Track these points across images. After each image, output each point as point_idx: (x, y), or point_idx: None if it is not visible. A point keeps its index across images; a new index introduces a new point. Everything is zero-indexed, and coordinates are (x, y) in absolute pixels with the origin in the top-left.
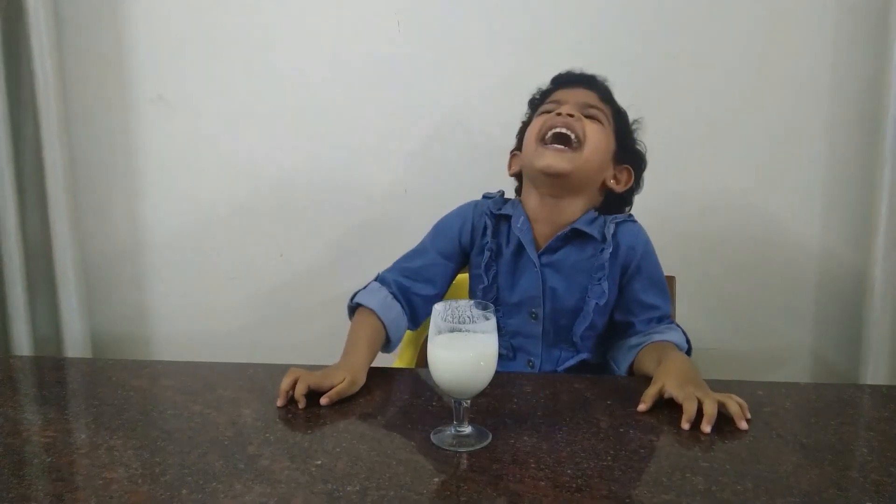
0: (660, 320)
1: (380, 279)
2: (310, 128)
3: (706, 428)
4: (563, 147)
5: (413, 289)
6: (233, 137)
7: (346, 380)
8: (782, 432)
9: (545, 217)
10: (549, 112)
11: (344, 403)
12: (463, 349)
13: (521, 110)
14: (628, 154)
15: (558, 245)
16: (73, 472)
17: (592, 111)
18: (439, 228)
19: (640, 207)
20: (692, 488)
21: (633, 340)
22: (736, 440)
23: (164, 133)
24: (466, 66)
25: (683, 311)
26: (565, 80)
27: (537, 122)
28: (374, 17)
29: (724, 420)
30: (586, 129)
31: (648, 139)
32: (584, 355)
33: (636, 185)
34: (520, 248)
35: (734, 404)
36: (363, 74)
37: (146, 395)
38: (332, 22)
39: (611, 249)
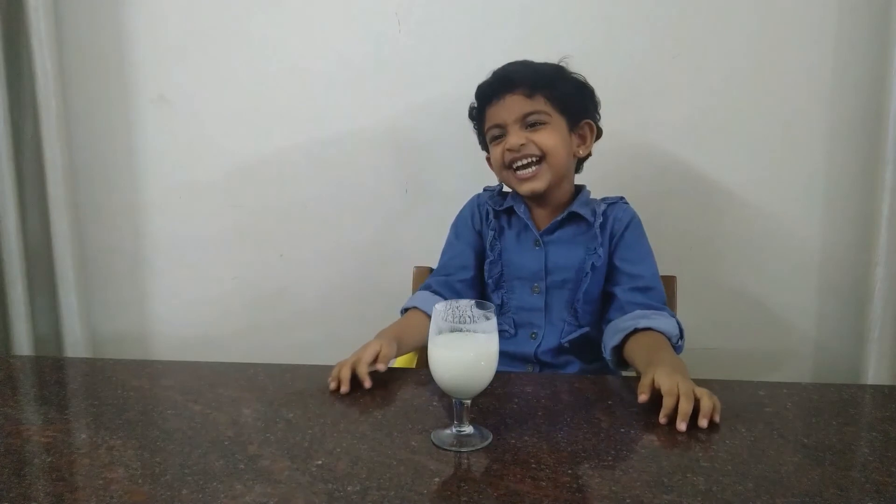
0: (645, 292)
1: (422, 287)
2: (310, 127)
3: (681, 426)
4: (530, 172)
5: (454, 277)
6: (233, 137)
7: (383, 346)
8: (784, 432)
9: (542, 205)
10: (498, 138)
11: (344, 404)
12: (463, 349)
13: None
14: (579, 111)
15: (557, 226)
16: (74, 472)
17: (532, 118)
18: (457, 222)
19: (641, 206)
20: (693, 488)
21: (621, 323)
22: (737, 440)
23: (165, 133)
24: (467, 64)
25: (683, 311)
26: (489, 95)
27: (496, 154)
28: (375, 15)
29: (724, 420)
30: (538, 142)
31: (648, 139)
32: (585, 329)
33: (597, 110)
34: (523, 229)
35: (708, 402)
36: (363, 74)
37: (146, 395)
38: (332, 21)
39: (601, 221)
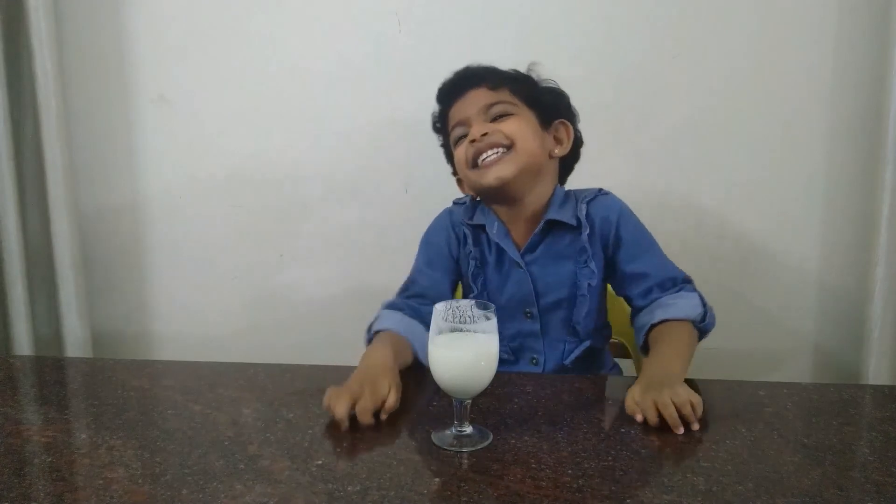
0: (662, 287)
1: (389, 306)
2: (310, 127)
3: (677, 431)
4: (495, 156)
5: (424, 310)
6: (233, 137)
7: (392, 389)
8: (784, 432)
9: (517, 216)
10: (462, 137)
11: None
12: (464, 349)
13: None
14: (551, 109)
15: (538, 240)
16: (74, 471)
17: (496, 108)
18: (428, 246)
19: (641, 206)
20: (693, 489)
21: (640, 319)
22: (737, 440)
23: (165, 133)
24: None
25: None
26: (451, 93)
27: (460, 153)
28: (375, 15)
29: (724, 420)
30: (504, 130)
31: (648, 139)
32: (587, 343)
33: (574, 124)
34: (502, 252)
35: (686, 408)
36: (364, 74)
37: (146, 394)
38: (333, 21)
39: (588, 231)
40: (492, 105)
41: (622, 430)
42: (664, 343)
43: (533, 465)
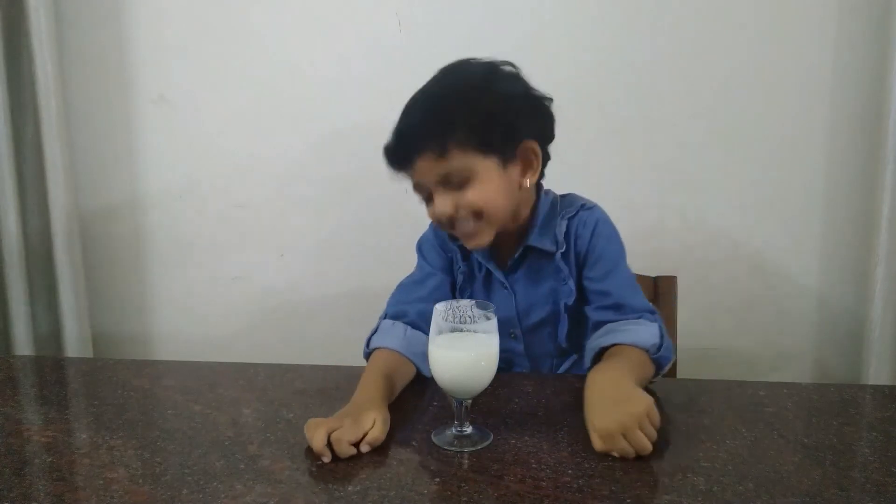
0: (616, 310)
1: (392, 315)
2: (310, 127)
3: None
4: (470, 228)
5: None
6: (233, 137)
7: (377, 422)
8: (784, 432)
9: (501, 238)
10: (427, 198)
11: (345, 405)
12: (464, 349)
13: None
14: (509, 138)
15: (518, 262)
16: (74, 471)
17: (452, 178)
18: (427, 249)
19: (641, 206)
20: (693, 489)
21: (592, 342)
22: (737, 440)
23: (164, 133)
24: None
25: (684, 311)
26: (399, 162)
27: (431, 215)
28: (375, 15)
29: (724, 420)
30: (468, 202)
31: (648, 139)
32: (574, 357)
33: (542, 107)
34: (489, 270)
35: (648, 428)
36: (364, 74)
37: (147, 395)
38: (332, 21)
39: (563, 250)
40: (445, 175)
41: None
42: (596, 380)
43: (533, 465)
